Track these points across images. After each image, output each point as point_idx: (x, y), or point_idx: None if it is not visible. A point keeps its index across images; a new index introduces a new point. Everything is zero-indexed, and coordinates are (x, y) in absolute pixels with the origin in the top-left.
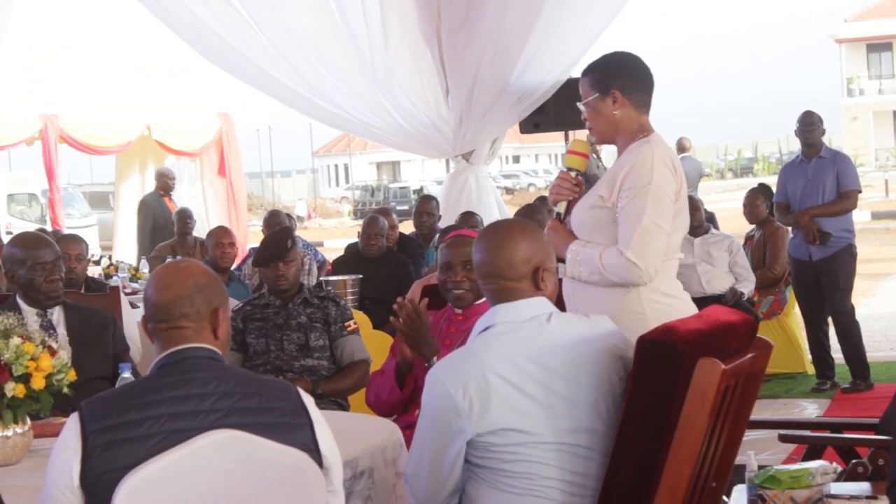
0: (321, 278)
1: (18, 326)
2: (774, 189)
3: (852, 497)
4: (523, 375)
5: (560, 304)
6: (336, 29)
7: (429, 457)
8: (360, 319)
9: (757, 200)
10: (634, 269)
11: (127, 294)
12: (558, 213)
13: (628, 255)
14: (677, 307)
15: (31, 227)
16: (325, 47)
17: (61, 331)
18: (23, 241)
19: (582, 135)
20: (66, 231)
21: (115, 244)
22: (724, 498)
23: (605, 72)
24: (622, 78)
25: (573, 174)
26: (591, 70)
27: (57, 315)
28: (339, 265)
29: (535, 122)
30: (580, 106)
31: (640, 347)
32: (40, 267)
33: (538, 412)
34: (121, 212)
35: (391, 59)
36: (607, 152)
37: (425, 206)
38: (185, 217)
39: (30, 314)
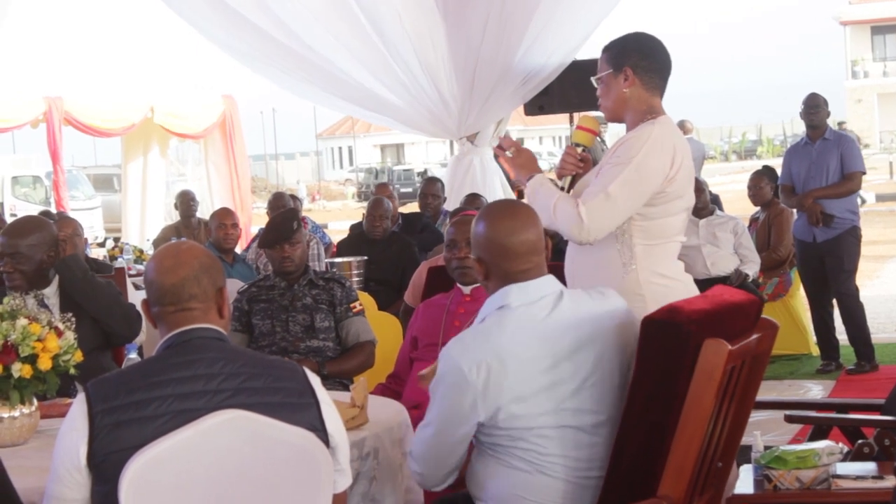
0: (326, 260)
1: (25, 307)
2: (779, 171)
3: (858, 477)
4: (535, 355)
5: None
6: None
7: (438, 432)
8: (365, 301)
9: (761, 182)
10: (579, 223)
11: (132, 276)
12: (562, 188)
13: (581, 209)
14: (677, 289)
15: (36, 209)
16: (336, 20)
17: (56, 310)
18: (4, 228)
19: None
20: (70, 213)
21: (124, 226)
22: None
23: (622, 49)
24: (637, 57)
25: (579, 149)
26: (609, 46)
27: (54, 295)
28: (344, 247)
29: (540, 105)
30: (594, 81)
31: (645, 327)
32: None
33: (547, 391)
34: (129, 194)
35: (408, 29)
36: (612, 136)
37: (430, 188)
38: (188, 199)
39: (28, 297)
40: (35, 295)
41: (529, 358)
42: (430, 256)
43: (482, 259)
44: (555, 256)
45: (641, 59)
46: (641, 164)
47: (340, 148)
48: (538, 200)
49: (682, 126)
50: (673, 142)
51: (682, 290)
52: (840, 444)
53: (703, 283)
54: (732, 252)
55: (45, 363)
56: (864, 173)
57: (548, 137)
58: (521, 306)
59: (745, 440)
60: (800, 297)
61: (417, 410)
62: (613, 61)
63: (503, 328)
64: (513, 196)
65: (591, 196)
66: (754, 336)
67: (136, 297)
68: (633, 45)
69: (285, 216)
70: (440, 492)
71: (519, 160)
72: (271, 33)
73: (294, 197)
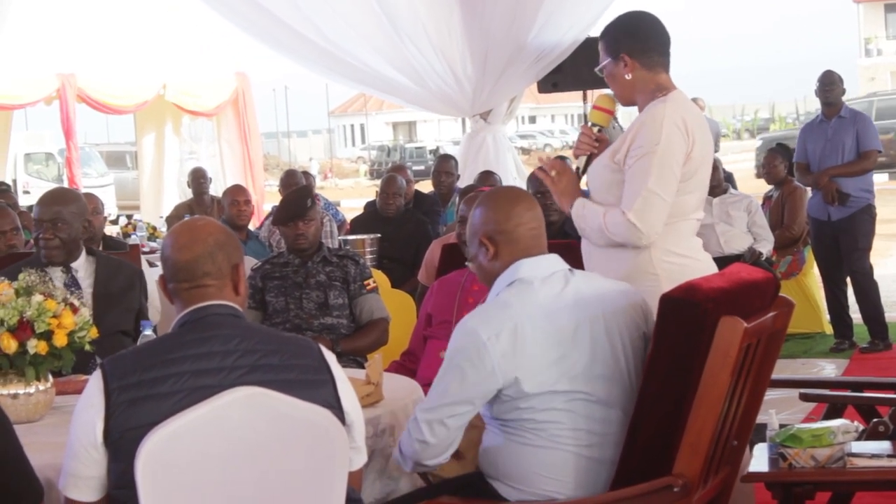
0: (340, 237)
1: (40, 283)
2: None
3: (873, 455)
4: (550, 328)
5: (579, 264)
6: None
7: (452, 405)
8: (379, 278)
9: (775, 160)
10: (635, 230)
11: (145, 253)
12: (577, 168)
13: (630, 216)
14: (692, 267)
15: (48, 186)
16: (348, 3)
17: (87, 285)
18: (40, 197)
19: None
20: (82, 190)
21: (141, 204)
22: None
23: (614, 36)
24: (629, 41)
25: (595, 129)
26: (603, 34)
27: (84, 270)
28: (358, 224)
29: (554, 82)
30: (597, 71)
31: (662, 304)
32: (38, 224)
33: (560, 364)
34: (145, 172)
35: (420, 10)
36: (625, 114)
37: (444, 165)
38: (200, 177)
39: (54, 270)
40: (63, 269)
41: (545, 331)
42: (443, 234)
43: (493, 238)
44: (561, 235)
45: (635, 41)
46: (666, 148)
47: (353, 125)
48: (587, 223)
49: (695, 104)
50: (684, 117)
51: (698, 267)
52: (855, 423)
53: (717, 262)
54: (746, 230)
55: (60, 339)
56: (881, 151)
57: (560, 115)
58: (535, 280)
59: (760, 418)
60: (813, 276)
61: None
62: (609, 50)
63: (520, 300)
64: (525, 172)
65: (633, 198)
66: (770, 314)
67: (150, 275)
68: (623, 30)
69: (299, 193)
70: (452, 474)
71: (561, 184)
72: (283, 18)
73: (307, 174)
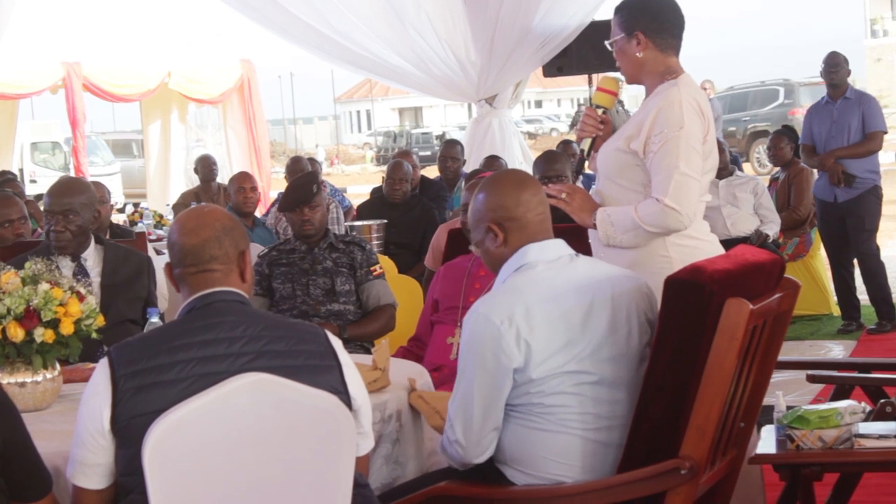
0: (346, 224)
1: (47, 272)
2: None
3: (881, 436)
4: (557, 312)
5: (583, 249)
6: None
7: (479, 396)
8: (385, 264)
9: (781, 142)
10: (674, 214)
11: (152, 241)
12: (582, 150)
13: (667, 201)
14: (703, 249)
15: (55, 175)
16: None
17: (95, 274)
18: (49, 188)
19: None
20: (89, 179)
21: (148, 192)
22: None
23: (631, 12)
24: (646, 20)
25: (600, 111)
26: (619, 9)
27: (92, 259)
28: (364, 210)
29: (559, 66)
30: (608, 45)
31: (668, 287)
32: (49, 215)
33: (567, 348)
34: (152, 160)
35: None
36: (630, 97)
37: (450, 150)
38: (209, 164)
39: (63, 260)
40: (73, 258)
41: (554, 314)
42: (450, 219)
43: (501, 224)
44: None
45: (651, 21)
46: (689, 130)
47: (358, 111)
48: (617, 226)
49: (703, 87)
50: (698, 100)
51: (708, 249)
52: (862, 404)
53: (724, 244)
54: (752, 212)
55: (67, 328)
56: (886, 132)
57: (566, 99)
58: (541, 264)
59: (767, 400)
60: (820, 258)
61: (438, 373)
62: (624, 26)
63: (529, 284)
64: (531, 156)
65: (666, 183)
66: (776, 295)
67: (157, 263)
68: (641, 7)
69: (305, 179)
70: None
71: (575, 202)
72: (287, 7)
73: (313, 161)
